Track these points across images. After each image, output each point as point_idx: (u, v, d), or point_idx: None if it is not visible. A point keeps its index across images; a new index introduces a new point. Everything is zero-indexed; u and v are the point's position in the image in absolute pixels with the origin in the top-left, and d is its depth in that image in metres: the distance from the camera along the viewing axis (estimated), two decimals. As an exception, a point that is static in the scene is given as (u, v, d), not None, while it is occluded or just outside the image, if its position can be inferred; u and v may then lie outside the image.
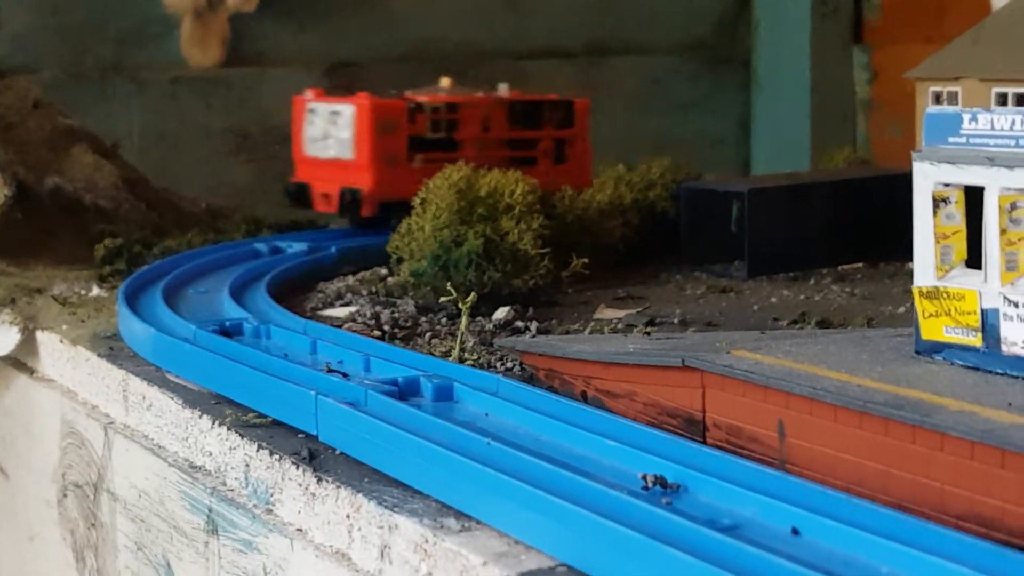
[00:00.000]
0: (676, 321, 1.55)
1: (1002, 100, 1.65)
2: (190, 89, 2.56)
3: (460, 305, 1.36)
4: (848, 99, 2.90)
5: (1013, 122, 0.95)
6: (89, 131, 2.23)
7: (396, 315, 1.58)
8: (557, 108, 2.14)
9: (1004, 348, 0.96)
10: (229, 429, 1.20)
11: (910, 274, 1.74)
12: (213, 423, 1.22)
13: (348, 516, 1.01)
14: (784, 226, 1.91)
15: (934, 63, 1.76)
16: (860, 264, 1.92)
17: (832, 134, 2.82)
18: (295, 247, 1.97)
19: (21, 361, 1.69)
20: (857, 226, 1.94)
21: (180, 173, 2.45)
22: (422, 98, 2.01)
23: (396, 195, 1.88)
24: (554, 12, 2.71)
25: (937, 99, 1.73)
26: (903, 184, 1.69)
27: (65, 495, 1.55)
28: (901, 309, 1.60)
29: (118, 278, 1.84)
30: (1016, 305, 0.95)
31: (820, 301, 1.68)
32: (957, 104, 1.69)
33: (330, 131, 1.96)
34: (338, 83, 2.58)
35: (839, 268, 1.90)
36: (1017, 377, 0.96)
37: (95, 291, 1.81)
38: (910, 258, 1.78)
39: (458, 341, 1.38)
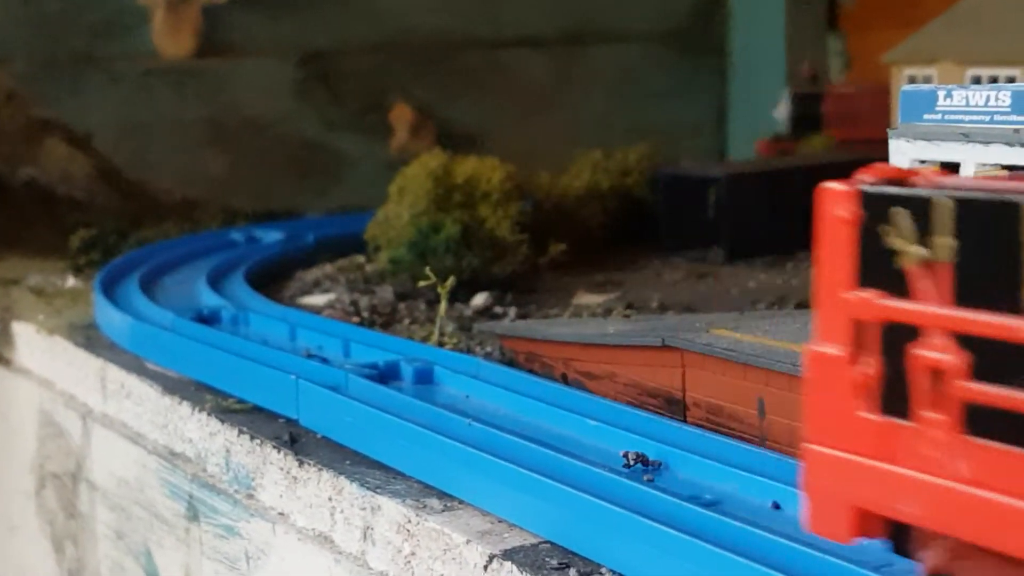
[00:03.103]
0: (654, 305, 1.55)
1: (977, 83, 1.66)
2: (163, 80, 2.54)
3: (439, 289, 1.36)
4: (823, 86, 2.90)
5: (987, 98, 0.95)
6: (63, 122, 2.22)
7: (375, 302, 1.58)
8: None
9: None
10: (209, 415, 1.19)
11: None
12: (193, 410, 1.22)
13: (330, 499, 1.01)
14: (761, 211, 1.91)
15: (910, 46, 1.77)
16: (837, 248, 1.92)
17: (807, 121, 2.82)
18: (271, 236, 1.97)
19: (-3, 352, 1.68)
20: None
21: (154, 164, 2.44)
22: None
23: None
24: (529, 1, 2.71)
25: (912, 82, 1.74)
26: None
27: (44, 486, 1.54)
28: (878, 291, 1.61)
29: (93, 268, 1.83)
30: (994, 280, 0.95)
31: (798, 285, 1.68)
32: (932, 87, 1.69)
33: None
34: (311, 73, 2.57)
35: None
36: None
37: (70, 281, 1.81)
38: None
39: (437, 325, 1.38)
